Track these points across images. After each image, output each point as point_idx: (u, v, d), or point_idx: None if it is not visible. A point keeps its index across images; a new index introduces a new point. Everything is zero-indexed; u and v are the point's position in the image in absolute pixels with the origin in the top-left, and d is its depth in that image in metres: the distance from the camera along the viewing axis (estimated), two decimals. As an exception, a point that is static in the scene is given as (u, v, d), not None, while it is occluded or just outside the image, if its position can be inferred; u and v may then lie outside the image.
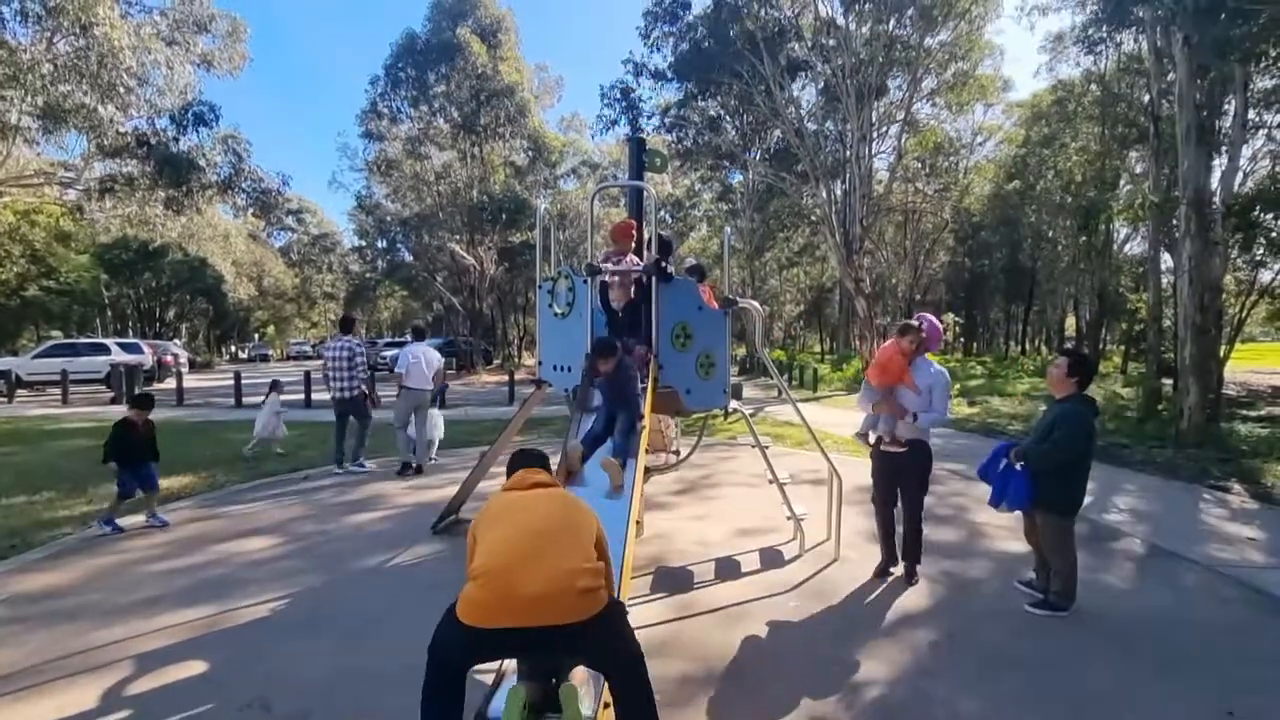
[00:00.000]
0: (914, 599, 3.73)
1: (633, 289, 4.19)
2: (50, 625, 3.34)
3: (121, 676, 2.85)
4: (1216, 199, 9.49)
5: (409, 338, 7.77)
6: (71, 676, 2.84)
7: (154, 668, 2.92)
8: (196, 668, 2.92)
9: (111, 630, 3.28)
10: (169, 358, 19.66)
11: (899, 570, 4.07)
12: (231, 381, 14.38)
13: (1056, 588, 3.55)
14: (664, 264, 4.22)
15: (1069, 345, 35.85)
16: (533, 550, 1.89)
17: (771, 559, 4.42)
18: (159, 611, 3.50)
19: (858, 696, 2.73)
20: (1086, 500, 5.89)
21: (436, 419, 7.49)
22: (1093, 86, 20.58)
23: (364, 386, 7.07)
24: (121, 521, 5.05)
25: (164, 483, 6.42)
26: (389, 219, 34.03)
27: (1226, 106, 11.27)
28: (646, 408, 3.52)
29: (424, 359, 6.96)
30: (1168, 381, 11.10)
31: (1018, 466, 3.53)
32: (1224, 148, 11.04)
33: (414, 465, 6.94)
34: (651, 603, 3.65)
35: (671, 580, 3.99)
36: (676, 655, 3.11)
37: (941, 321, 4.79)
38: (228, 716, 2.55)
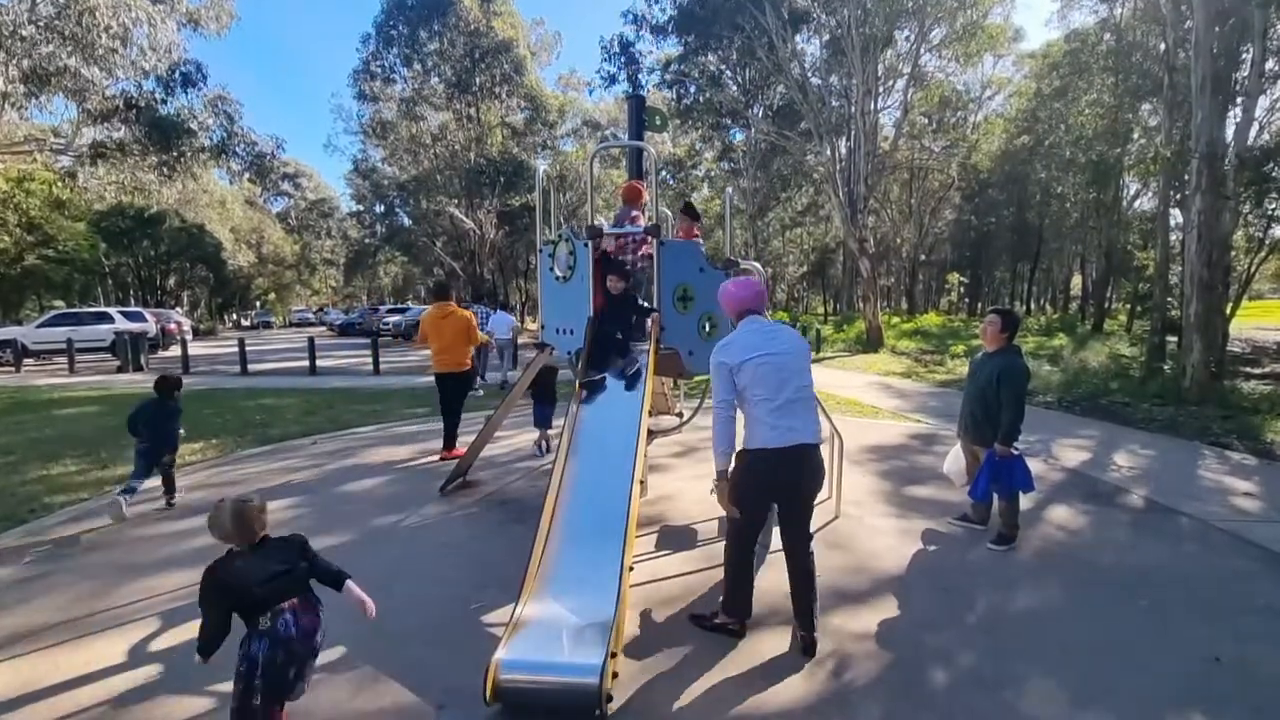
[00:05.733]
0: (911, 554, 3.82)
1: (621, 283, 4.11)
2: (74, 584, 3.45)
3: (148, 632, 2.96)
4: (1230, 152, 9.29)
5: (489, 304, 13.59)
6: (100, 632, 2.95)
7: (178, 623, 3.01)
8: (218, 624, 3.02)
9: (134, 588, 3.38)
10: (173, 325, 19.73)
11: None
12: (236, 349, 14.43)
13: (1012, 520, 3.90)
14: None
15: (1074, 304, 35.81)
16: None
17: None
18: (179, 570, 3.59)
19: (854, 644, 2.83)
20: (1085, 457, 6.03)
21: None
22: (1107, 36, 19.90)
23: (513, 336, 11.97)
24: (150, 484, 5.17)
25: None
26: (386, 183, 33.59)
27: (1244, 56, 10.89)
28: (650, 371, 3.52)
29: (504, 321, 11.79)
30: (1172, 339, 11.07)
31: (1015, 452, 3.76)
32: (1239, 99, 10.72)
33: (504, 383, 10.90)
34: (656, 559, 3.75)
35: (675, 538, 4.08)
36: (679, 599, 3.25)
37: (766, 280, 3.47)
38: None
